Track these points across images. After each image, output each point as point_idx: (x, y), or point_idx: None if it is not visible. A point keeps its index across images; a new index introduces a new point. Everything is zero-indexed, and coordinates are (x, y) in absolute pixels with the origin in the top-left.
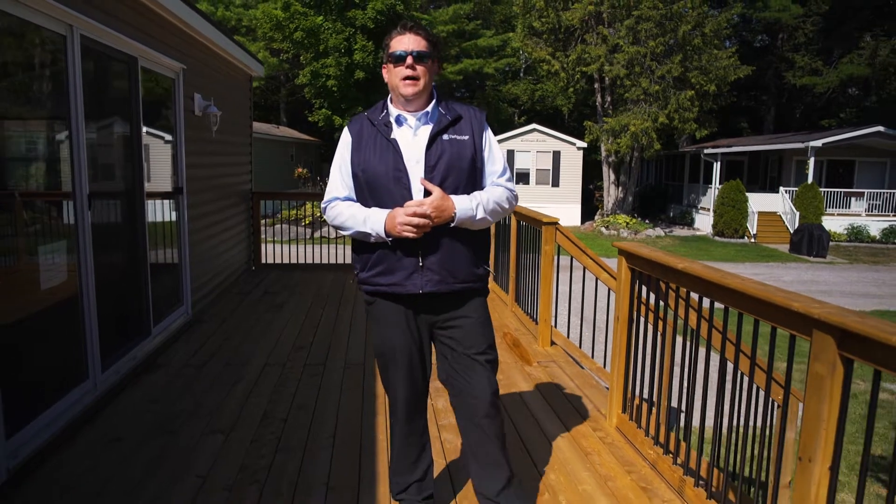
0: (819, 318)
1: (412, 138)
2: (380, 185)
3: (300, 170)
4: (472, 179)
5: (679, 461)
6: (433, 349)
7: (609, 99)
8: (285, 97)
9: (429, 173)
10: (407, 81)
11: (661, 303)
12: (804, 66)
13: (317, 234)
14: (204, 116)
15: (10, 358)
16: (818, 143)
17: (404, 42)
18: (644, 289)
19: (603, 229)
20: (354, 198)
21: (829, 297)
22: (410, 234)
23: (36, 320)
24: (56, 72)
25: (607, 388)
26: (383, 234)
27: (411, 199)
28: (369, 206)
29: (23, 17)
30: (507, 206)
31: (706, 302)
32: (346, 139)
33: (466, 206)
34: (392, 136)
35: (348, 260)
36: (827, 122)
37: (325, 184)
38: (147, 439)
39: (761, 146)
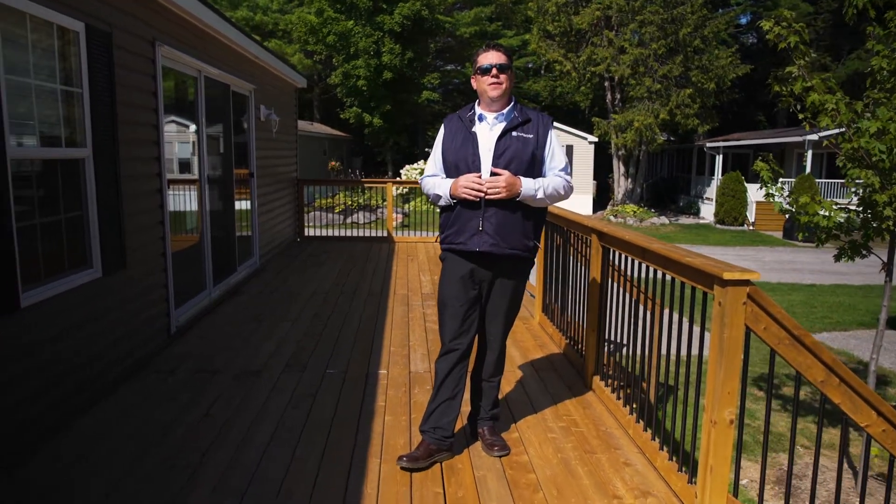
0: (592, 227)
1: (488, 132)
2: (459, 166)
3: (333, 163)
4: (531, 168)
5: (568, 335)
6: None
7: (618, 96)
8: (318, 95)
9: (496, 160)
10: (493, 86)
11: (562, 239)
12: (814, 62)
13: (348, 221)
14: (266, 121)
15: (175, 269)
16: (815, 136)
17: (489, 57)
18: (555, 233)
19: (611, 217)
20: (441, 174)
21: (799, 273)
22: (468, 196)
23: (185, 252)
24: (192, 98)
25: (533, 297)
26: (449, 196)
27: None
28: None
29: (180, 70)
30: (562, 192)
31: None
32: (442, 131)
33: (531, 186)
34: (473, 130)
35: (374, 234)
36: None
37: (356, 175)
38: (246, 322)
39: (764, 140)
